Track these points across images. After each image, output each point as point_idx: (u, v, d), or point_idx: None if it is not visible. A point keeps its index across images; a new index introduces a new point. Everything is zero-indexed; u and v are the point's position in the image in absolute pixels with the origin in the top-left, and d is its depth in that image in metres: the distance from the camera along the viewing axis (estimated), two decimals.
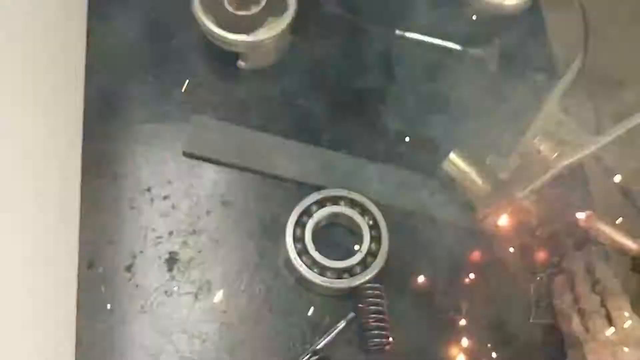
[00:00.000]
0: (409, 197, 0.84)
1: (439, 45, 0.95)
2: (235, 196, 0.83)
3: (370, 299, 0.76)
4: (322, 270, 0.77)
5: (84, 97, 0.87)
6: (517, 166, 0.76)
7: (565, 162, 0.74)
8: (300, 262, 0.77)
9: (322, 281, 0.76)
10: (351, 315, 0.77)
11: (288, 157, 0.85)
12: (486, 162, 0.79)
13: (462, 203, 0.83)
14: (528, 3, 0.99)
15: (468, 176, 0.80)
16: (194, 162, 0.85)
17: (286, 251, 0.77)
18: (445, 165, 0.81)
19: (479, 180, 0.80)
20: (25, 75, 0.75)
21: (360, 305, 0.76)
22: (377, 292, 0.76)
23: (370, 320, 0.75)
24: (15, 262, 0.68)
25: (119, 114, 0.86)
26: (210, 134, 0.85)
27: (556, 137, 0.73)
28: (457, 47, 0.95)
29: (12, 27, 0.73)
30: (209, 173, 0.84)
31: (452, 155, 0.80)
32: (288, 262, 0.78)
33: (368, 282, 0.77)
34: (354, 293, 0.77)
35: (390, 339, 0.75)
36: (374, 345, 0.75)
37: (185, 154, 0.84)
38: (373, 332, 0.75)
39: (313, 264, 0.77)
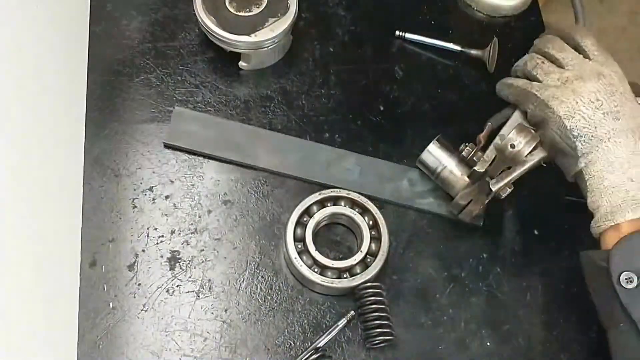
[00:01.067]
0: (389, 187, 0.85)
1: (438, 46, 0.96)
2: (236, 195, 0.84)
3: (371, 297, 0.76)
4: (323, 270, 0.78)
5: (86, 97, 0.87)
6: (493, 159, 0.77)
7: (539, 157, 0.75)
8: (301, 262, 0.77)
9: (322, 281, 0.77)
10: (351, 313, 0.77)
11: (268, 147, 0.85)
12: (462, 153, 0.80)
13: (442, 194, 0.84)
14: (526, 4, 1.00)
15: (447, 168, 0.81)
16: (196, 162, 0.85)
17: (287, 251, 0.78)
18: (425, 156, 0.82)
19: (457, 172, 0.81)
20: (26, 74, 0.75)
21: (361, 303, 0.76)
22: (377, 290, 0.76)
23: (372, 318, 0.75)
24: (18, 261, 0.69)
25: (121, 114, 0.87)
26: (191, 125, 0.85)
27: (530, 131, 0.74)
28: (457, 47, 0.95)
29: (14, 28, 0.73)
30: (210, 172, 0.85)
31: (432, 146, 0.81)
32: (289, 261, 0.78)
33: (368, 281, 0.77)
34: (354, 292, 0.77)
35: (392, 336, 0.76)
36: (377, 343, 0.75)
37: (166, 146, 0.85)
38: (375, 329, 0.75)
39: (313, 264, 0.78)
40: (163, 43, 0.92)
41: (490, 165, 0.77)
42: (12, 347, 0.65)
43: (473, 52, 0.95)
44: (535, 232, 0.85)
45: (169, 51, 0.92)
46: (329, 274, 0.77)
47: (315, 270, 0.77)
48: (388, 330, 0.75)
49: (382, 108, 0.91)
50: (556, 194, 0.87)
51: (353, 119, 0.90)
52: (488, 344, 0.79)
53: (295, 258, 0.77)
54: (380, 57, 0.95)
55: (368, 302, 0.76)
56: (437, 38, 0.96)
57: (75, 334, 0.75)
